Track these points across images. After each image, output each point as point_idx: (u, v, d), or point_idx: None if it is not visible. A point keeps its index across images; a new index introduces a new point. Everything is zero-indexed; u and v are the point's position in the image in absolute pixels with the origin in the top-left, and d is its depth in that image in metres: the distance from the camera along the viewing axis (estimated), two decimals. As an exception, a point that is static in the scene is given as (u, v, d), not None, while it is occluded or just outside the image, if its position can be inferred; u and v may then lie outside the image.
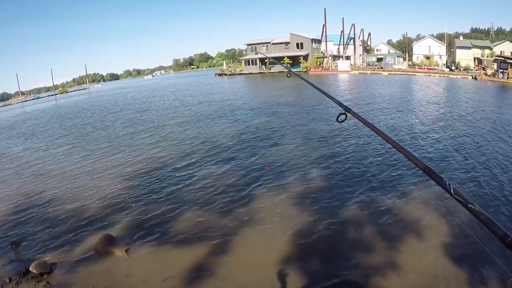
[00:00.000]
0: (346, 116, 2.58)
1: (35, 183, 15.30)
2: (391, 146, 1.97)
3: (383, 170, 12.51)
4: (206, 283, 7.14)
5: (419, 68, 68.11)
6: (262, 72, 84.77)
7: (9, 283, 7.77)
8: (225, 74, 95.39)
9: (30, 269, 8.02)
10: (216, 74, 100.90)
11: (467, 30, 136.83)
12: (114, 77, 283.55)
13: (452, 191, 1.41)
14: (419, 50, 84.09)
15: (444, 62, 78.55)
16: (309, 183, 11.87)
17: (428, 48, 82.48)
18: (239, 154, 16.07)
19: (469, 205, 1.33)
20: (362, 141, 15.99)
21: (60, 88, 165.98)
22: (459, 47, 77.27)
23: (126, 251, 8.58)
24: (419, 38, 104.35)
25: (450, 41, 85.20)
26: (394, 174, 11.99)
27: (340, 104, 2.77)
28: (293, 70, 76.59)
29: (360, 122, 2.43)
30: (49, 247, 9.40)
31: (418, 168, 1.69)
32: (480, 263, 6.87)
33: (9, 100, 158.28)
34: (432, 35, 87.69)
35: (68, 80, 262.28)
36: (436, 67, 69.53)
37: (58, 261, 8.54)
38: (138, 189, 12.93)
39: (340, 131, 18.25)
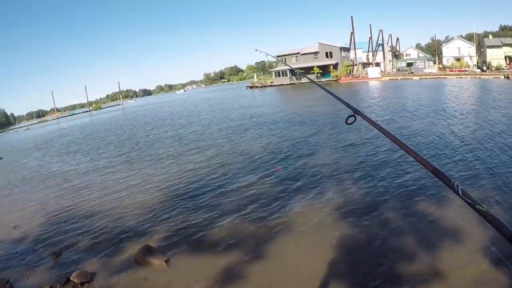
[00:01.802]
0: (355, 118, 2.68)
1: (75, 196, 15.93)
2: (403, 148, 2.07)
3: (418, 175, 12.28)
4: None
5: (450, 71, 67.46)
6: (293, 83, 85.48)
7: None
8: (256, 87, 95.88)
9: (71, 278, 8.34)
10: (247, 86, 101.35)
11: (496, 28, 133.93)
12: (146, 92, 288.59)
13: (460, 192, 1.49)
14: (448, 52, 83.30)
15: (475, 62, 77.64)
16: (344, 192, 11.82)
17: (458, 50, 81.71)
18: (274, 164, 16.25)
19: (476, 206, 1.38)
20: (395, 148, 15.62)
21: (94, 105, 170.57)
22: (489, 47, 76.10)
23: (165, 261, 8.74)
24: (447, 40, 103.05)
25: (479, 41, 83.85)
26: (428, 179, 11.56)
27: (349, 106, 2.85)
28: (323, 79, 77.72)
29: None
30: (88, 257, 9.74)
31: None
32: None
33: (45, 117, 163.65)
34: (460, 36, 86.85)
35: (102, 97, 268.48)
36: (467, 69, 68.80)
37: (97, 270, 8.82)
38: (176, 200, 13.22)
39: (372, 139, 18.29)
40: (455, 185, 1.54)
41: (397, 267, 7.34)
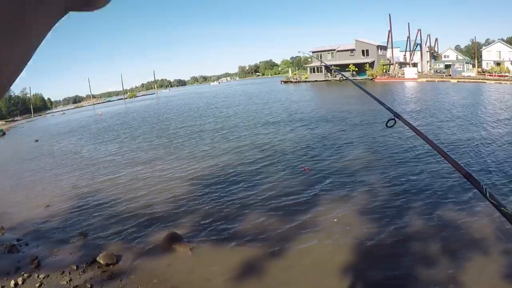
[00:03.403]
0: (395, 121, 2.71)
1: (106, 181, 16.43)
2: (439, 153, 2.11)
3: (447, 181, 12.06)
4: (266, 286, 7.28)
5: (489, 75, 65.69)
6: (327, 80, 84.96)
7: (76, 271, 8.34)
8: (291, 82, 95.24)
9: (97, 259, 8.61)
10: (281, 81, 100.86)
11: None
12: (181, 83, 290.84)
13: (487, 195, 1.55)
14: (488, 56, 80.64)
15: (516, 68, 75.60)
16: (372, 192, 11.75)
17: (498, 54, 78.99)
18: (303, 161, 16.20)
19: (502, 208, 1.44)
20: (425, 150, 15.20)
21: (130, 93, 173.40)
22: (532, 52, 74.22)
23: (190, 249, 8.91)
24: (488, 43, 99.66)
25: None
26: (456, 186, 11.33)
27: (390, 110, 2.86)
28: (358, 77, 76.90)
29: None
30: (115, 239, 10.02)
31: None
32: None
33: (81, 103, 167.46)
34: (502, 39, 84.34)
35: (137, 85, 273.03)
36: (507, 74, 67.04)
37: (123, 253, 9.06)
38: (204, 191, 13.36)
39: (406, 141, 17.58)
40: (484, 188, 1.62)
41: (417, 270, 7.31)
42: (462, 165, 1.91)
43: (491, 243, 8.02)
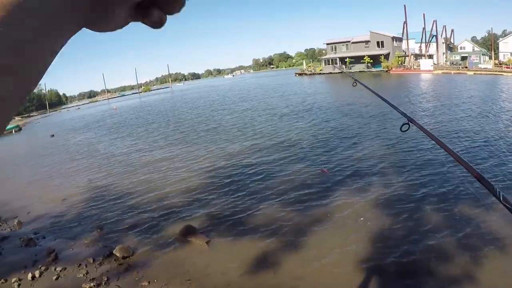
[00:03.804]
0: (409, 126, 2.76)
1: (122, 175, 16.55)
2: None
3: (462, 180, 11.58)
4: (282, 281, 7.24)
5: (506, 67, 64.68)
6: (342, 72, 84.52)
7: (93, 263, 8.40)
8: (305, 74, 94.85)
9: (114, 252, 8.68)
10: (296, 73, 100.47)
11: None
12: (195, 76, 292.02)
13: (501, 198, 1.55)
14: (505, 47, 79.21)
15: (534, 60, 74.25)
16: (387, 190, 11.55)
17: (515, 45, 78.34)
18: (320, 155, 16.18)
19: None
20: (443, 152, 15.28)
21: (144, 87, 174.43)
22: (550, 43, 72.92)
23: (207, 243, 8.93)
24: (505, 34, 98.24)
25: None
26: (471, 185, 10.40)
27: (404, 115, 2.89)
28: (373, 69, 76.40)
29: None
30: (131, 233, 10.09)
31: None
32: None
33: (96, 97, 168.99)
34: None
35: (151, 79, 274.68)
36: (525, 66, 66.06)
37: (139, 246, 9.14)
38: (220, 184, 13.38)
39: (422, 140, 16.99)
40: (497, 191, 1.61)
41: (432, 268, 7.27)
42: (474, 167, 1.90)
43: (508, 243, 7.88)
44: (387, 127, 20.64)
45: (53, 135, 38.09)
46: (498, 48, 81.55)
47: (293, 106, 35.10)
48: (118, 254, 8.59)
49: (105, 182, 15.76)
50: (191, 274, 7.69)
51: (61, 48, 0.44)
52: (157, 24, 0.53)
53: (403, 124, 2.75)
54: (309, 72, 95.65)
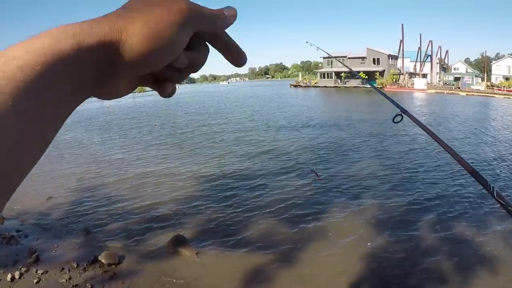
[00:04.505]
0: (402, 117, 2.66)
1: (112, 176, 16.18)
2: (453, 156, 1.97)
3: (461, 196, 11.96)
4: None
5: (498, 90, 65.50)
6: (337, 86, 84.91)
7: (76, 268, 8.09)
8: (300, 86, 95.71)
9: (99, 258, 8.37)
10: (291, 85, 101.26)
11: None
12: (190, 80, 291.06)
13: (495, 194, 1.50)
14: (498, 70, 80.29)
15: (525, 84, 74.97)
16: (382, 203, 11.52)
17: (508, 69, 78.57)
18: (317, 168, 15.56)
19: (509, 207, 1.41)
20: (441, 163, 15.56)
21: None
22: (542, 69, 73.78)
23: (196, 254, 8.71)
24: (498, 57, 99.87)
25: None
26: (471, 202, 11.36)
27: (397, 105, 2.81)
28: (368, 85, 76.70)
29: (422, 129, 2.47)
30: (119, 239, 9.80)
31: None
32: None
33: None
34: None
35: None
36: (516, 89, 66.84)
37: (126, 254, 8.83)
38: (212, 194, 13.18)
39: (416, 150, 18.15)
40: (491, 187, 1.55)
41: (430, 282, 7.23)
42: (468, 162, 1.80)
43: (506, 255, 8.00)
44: (380, 139, 20.89)
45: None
46: (490, 70, 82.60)
47: (289, 118, 35.05)
48: (103, 261, 8.28)
49: (94, 183, 15.37)
50: (180, 286, 7.45)
51: (64, 119, 0.46)
52: (170, 95, 0.59)
53: (396, 115, 2.62)
54: (304, 84, 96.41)
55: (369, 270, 7.83)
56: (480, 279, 7.37)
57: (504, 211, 1.42)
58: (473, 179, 1.71)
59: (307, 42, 6.46)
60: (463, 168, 1.79)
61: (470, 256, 8.26)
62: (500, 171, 15.05)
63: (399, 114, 2.61)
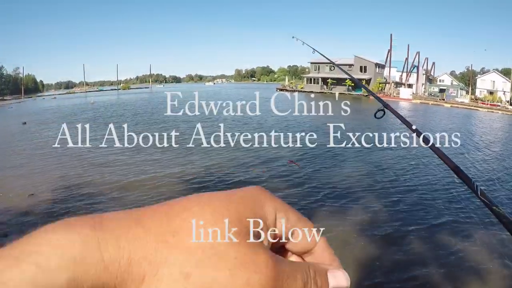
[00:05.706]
0: (384, 112, 2.62)
1: (98, 174, 15.80)
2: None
3: (451, 204, 12.05)
4: None
5: (482, 103, 66.75)
6: (323, 92, 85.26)
7: None
8: (286, 90, 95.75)
9: None
10: (277, 89, 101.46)
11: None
12: (176, 80, 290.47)
13: (478, 192, 1.49)
14: (482, 84, 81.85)
15: (508, 99, 76.32)
16: (369, 210, 11.56)
17: (492, 83, 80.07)
18: (299, 173, 15.76)
19: (493, 207, 1.40)
20: (430, 170, 15.74)
21: (123, 84, 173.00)
22: (525, 85, 74.99)
23: None
24: (483, 71, 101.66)
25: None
26: (461, 211, 11.40)
27: (380, 100, 2.82)
28: (354, 93, 77.29)
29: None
30: None
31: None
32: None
33: (73, 89, 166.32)
34: (496, 69, 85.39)
35: (132, 77, 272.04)
36: (499, 104, 67.91)
37: None
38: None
39: (407, 159, 18.14)
40: (475, 185, 1.55)
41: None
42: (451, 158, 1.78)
43: (490, 270, 8.02)
44: (363, 149, 20.73)
45: (25, 123, 36.66)
46: (475, 84, 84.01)
47: (274, 119, 35.54)
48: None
49: (79, 179, 15.07)
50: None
51: None
52: None
53: (378, 110, 2.62)
54: (290, 89, 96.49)
55: (358, 280, 7.77)
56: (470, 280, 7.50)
57: (489, 211, 1.43)
58: (456, 176, 1.68)
59: (293, 37, 6.39)
60: (448, 168, 1.75)
61: (459, 263, 8.34)
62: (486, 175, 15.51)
63: (381, 110, 2.61)
